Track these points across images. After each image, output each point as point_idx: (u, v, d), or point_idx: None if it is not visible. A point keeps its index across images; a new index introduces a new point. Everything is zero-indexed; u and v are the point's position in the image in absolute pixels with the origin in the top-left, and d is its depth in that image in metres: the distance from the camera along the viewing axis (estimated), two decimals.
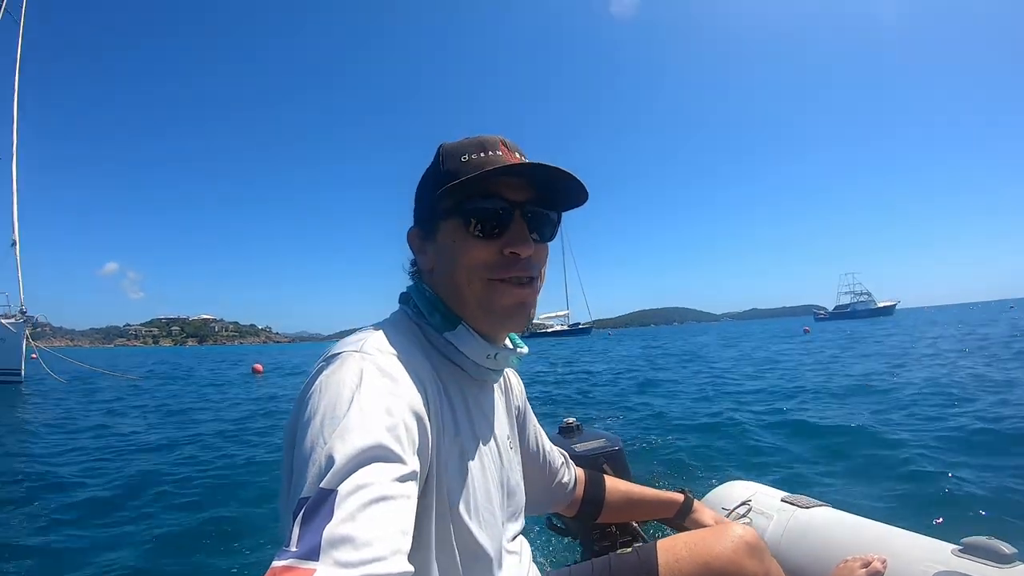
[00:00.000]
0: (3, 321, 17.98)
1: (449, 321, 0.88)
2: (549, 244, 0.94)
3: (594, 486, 1.40)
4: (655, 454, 4.83)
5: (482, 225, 0.85)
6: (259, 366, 21.28)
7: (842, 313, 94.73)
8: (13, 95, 21.46)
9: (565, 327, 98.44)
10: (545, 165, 0.82)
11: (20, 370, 17.51)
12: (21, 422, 9.52)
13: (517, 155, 0.88)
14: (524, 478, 1.14)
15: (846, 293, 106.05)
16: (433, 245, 0.91)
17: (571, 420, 1.89)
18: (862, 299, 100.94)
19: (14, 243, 19.47)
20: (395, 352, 0.77)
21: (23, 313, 18.31)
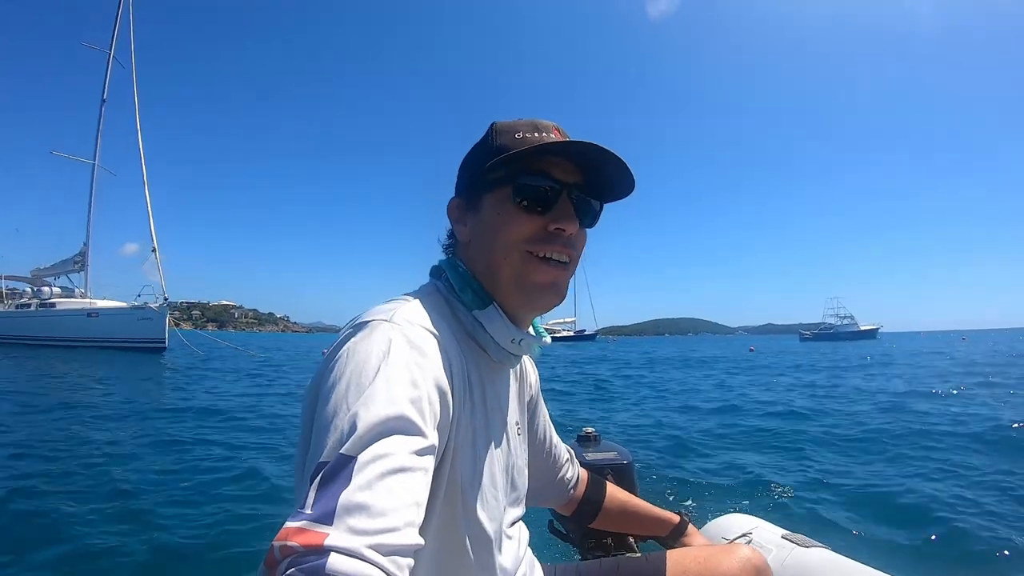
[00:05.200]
0: (152, 305, 26.21)
1: (480, 299, 0.87)
2: (588, 232, 0.93)
3: (595, 489, 1.39)
4: (664, 477, 4.77)
5: (530, 200, 0.84)
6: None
7: (826, 334, 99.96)
8: (137, 134, 29.78)
9: (571, 333, 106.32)
10: (603, 147, 0.81)
11: (165, 340, 25.26)
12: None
13: (580, 140, 0.84)
14: (528, 467, 1.14)
15: (831, 316, 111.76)
16: (474, 216, 0.90)
17: (590, 430, 1.87)
18: (845, 322, 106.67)
19: (154, 249, 27.42)
20: (424, 325, 0.76)
21: (166, 299, 26.35)
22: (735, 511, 1.93)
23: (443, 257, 0.98)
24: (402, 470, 0.56)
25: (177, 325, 26.47)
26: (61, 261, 34.13)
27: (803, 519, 3.65)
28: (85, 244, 32.50)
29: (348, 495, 0.51)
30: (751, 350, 41.55)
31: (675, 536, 1.42)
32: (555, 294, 0.88)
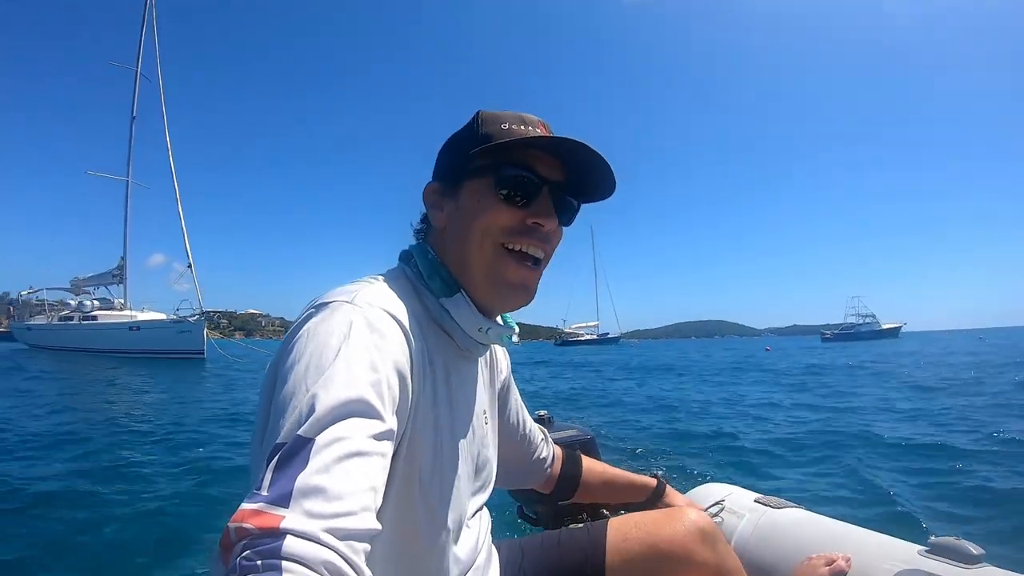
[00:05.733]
0: (190, 319, 27.59)
1: (448, 287, 0.87)
2: (564, 230, 0.93)
3: (571, 464, 1.40)
4: (629, 453, 4.94)
5: (511, 191, 0.84)
6: None
7: (847, 334, 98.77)
8: (168, 151, 30.86)
9: (594, 336, 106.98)
10: (590, 147, 0.82)
11: (203, 350, 26.64)
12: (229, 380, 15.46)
13: (565, 137, 0.84)
14: (503, 452, 1.15)
15: (852, 315, 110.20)
16: (452, 203, 0.90)
17: (543, 412, 1.87)
18: (866, 321, 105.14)
19: (190, 265, 28.95)
20: (387, 308, 0.76)
21: (203, 312, 27.80)
22: (710, 482, 1.94)
23: (413, 242, 0.97)
24: (360, 454, 0.55)
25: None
26: (99, 274, 35.79)
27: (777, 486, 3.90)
28: (123, 258, 34.17)
29: (305, 478, 0.50)
30: (767, 350, 42.10)
31: (654, 500, 1.43)
32: (524, 294, 0.89)
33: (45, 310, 36.93)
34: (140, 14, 33.72)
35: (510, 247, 0.86)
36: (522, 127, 0.87)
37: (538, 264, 0.90)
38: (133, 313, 31.87)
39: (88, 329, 31.19)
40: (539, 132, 0.87)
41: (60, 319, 34.09)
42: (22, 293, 40.96)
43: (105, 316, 32.00)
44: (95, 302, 34.37)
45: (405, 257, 0.95)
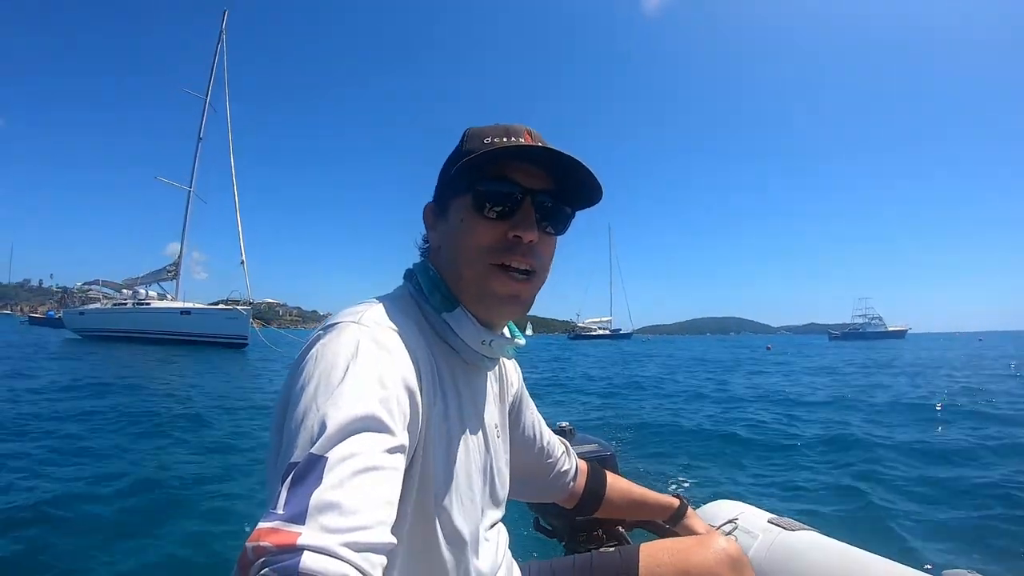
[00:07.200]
0: (239, 308, 31.02)
1: (448, 302, 0.87)
2: (558, 239, 0.92)
3: (596, 479, 1.38)
4: (645, 466, 4.87)
5: (491, 206, 0.84)
6: None
7: (853, 334, 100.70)
8: (231, 173, 34.58)
9: (607, 331, 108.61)
10: (558, 151, 0.81)
11: (247, 337, 29.99)
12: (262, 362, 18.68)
13: (540, 144, 0.83)
14: (523, 465, 1.16)
15: (859, 316, 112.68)
16: (443, 223, 0.91)
17: (564, 424, 1.84)
18: (873, 322, 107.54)
19: (242, 262, 32.51)
20: (393, 327, 0.77)
21: (250, 303, 31.27)
22: (721, 498, 1.90)
23: (418, 260, 0.97)
24: (373, 468, 0.56)
25: None
26: (154, 271, 38.62)
27: (788, 502, 4.06)
28: (180, 255, 37.35)
29: (319, 494, 0.51)
30: (768, 348, 42.45)
31: (675, 520, 1.42)
32: (516, 305, 0.88)
33: (99, 299, 39.36)
34: (212, 50, 37.90)
35: (496, 263, 0.85)
36: (505, 139, 0.86)
37: (529, 275, 0.88)
38: (185, 304, 34.82)
39: (142, 312, 33.76)
40: (522, 141, 0.86)
41: (114, 305, 36.50)
42: (77, 285, 44.06)
43: (157, 303, 34.89)
44: (151, 292, 37.39)
45: (408, 275, 0.96)
